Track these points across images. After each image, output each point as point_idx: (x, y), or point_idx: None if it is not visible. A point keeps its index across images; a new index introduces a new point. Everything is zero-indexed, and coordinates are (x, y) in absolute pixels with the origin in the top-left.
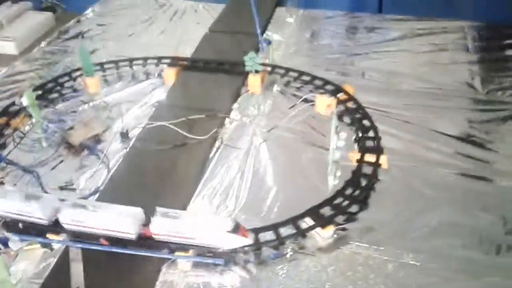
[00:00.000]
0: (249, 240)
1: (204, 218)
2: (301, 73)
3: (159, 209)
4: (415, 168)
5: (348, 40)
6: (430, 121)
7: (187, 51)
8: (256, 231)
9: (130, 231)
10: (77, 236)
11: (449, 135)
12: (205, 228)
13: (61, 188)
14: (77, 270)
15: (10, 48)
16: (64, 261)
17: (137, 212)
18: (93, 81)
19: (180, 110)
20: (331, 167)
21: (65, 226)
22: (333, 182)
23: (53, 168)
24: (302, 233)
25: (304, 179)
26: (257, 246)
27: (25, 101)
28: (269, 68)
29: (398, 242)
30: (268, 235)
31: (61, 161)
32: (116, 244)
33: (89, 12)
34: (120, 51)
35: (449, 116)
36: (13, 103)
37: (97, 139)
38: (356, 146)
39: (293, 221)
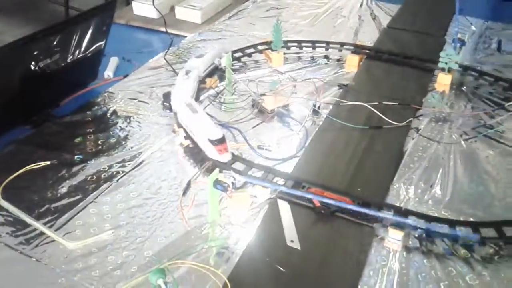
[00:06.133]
0: (224, 158)
1: (205, 119)
2: (497, 79)
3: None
4: None
5: None
6: None
7: (366, 43)
8: (477, 224)
9: None
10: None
11: None
12: (198, 127)
13: (259, 147)
14: (289, 224)
15: (195, 16)
16: (274, 213)
17: None
18: (278, 56)
19: (369, 95)
20: None
21: None
22: None
23: (253, 128)
24: None
25: (506, 184)
26: (481, 240)
27: (224, 62)
28: (460, 69)
29: None
30: (490, 232)
31: (259, 124)
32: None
33: None
34: (293, 35)
35: None
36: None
37: (286, 109)
38: None
39: None
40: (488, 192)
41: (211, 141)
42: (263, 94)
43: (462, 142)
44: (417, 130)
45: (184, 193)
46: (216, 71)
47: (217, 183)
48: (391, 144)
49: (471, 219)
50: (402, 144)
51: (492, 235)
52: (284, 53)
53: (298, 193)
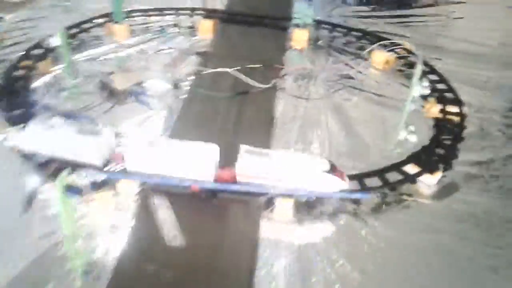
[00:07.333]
0: (345, 183)
1: (296, 157)
2: (350, 29)
3: (243, 147)
4: (492, 118)
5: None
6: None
7: (216, 5)
8: (361, 176)
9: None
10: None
11: None
12: (299, 168)
13: (117, 136)
14: (167, 218)
15: None
16: (147, 210)
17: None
18: (123, 28)
19: (229, 60)
20: (406, 118)
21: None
22: (407, 134)
23: (105, 113)
24: (412, 179)
25: (376, 131)
26: (366, 191)
27: (57, 41)
28: (313, 23)
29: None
30: (373, 181)
31: (112, 107)
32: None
33: None
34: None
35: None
36: (35, 47)
37: (142, 87)
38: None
39: (397, 167)
40: (362, 142)
41: (329, 172)
42: (112, 73)
43: (329, 95)
44: (284, 89)
45: (27, 207)
46: (48, 53)
47: (67, 188)
48: (261, 108)
49: (354, 172)
50: (272, 106)
51: (376, 184)
52: (130, 25)
53: (172, 181)
